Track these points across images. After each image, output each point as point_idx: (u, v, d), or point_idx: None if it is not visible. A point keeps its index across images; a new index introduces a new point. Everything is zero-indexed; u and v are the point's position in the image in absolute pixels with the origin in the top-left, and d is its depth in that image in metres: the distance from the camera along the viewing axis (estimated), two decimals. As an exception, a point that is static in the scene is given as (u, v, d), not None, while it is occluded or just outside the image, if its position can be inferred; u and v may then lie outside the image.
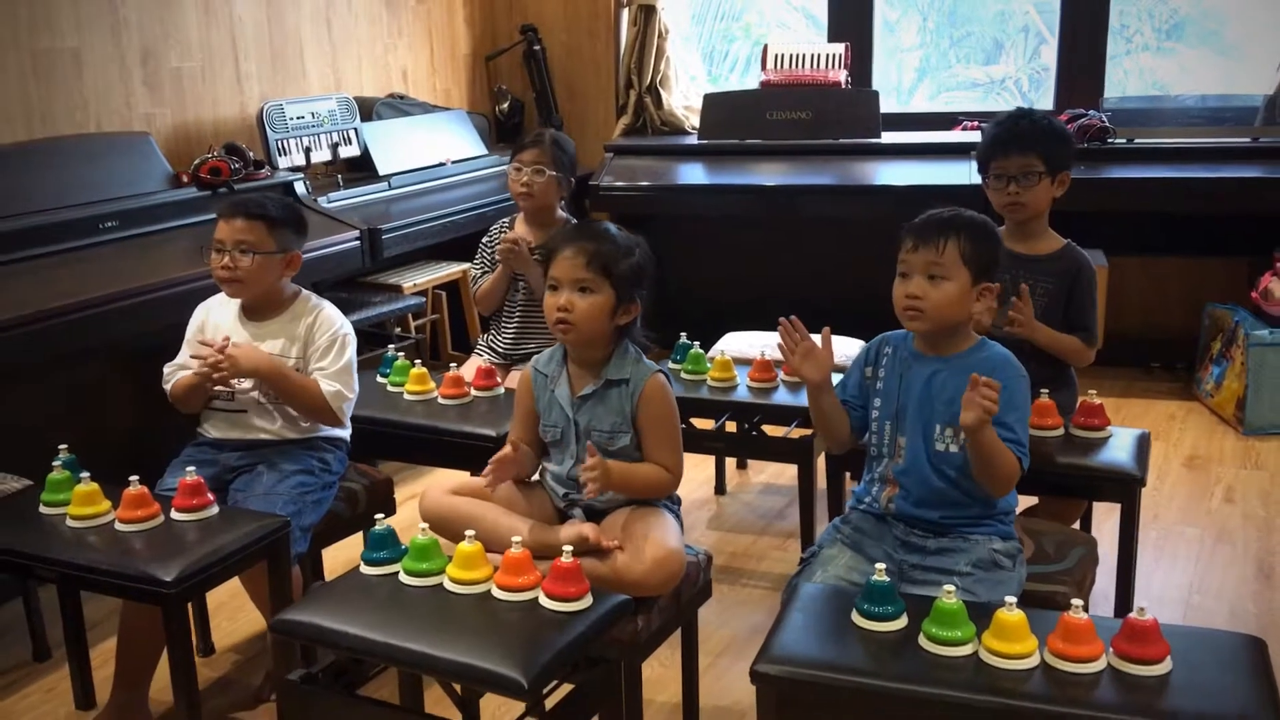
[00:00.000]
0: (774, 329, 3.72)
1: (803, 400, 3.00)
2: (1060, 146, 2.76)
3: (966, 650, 1.73)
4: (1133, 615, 1.69)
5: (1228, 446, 4.00)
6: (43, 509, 2.33)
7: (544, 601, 1.90)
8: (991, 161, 2.76)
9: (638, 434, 2.23)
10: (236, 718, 2.58)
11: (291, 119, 4.02)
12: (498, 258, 3.30)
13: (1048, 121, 2.81)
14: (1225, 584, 3.06)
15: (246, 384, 2.58)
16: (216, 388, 2.57)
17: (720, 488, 3.75)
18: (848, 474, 2.77)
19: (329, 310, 2.67)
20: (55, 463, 2.39)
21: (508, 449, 2.21)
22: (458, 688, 2.07)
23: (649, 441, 2.23)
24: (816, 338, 2.22)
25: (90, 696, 2.60)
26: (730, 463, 3.85)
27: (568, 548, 1.94)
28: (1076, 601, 1.72)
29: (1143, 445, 2.54)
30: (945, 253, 2.07)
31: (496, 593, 1.94)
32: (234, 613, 2.97)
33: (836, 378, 2.27)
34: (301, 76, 4.35)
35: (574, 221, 3.44)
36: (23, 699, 2.66)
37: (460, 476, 2.76)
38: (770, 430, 3.11)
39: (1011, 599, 1.74)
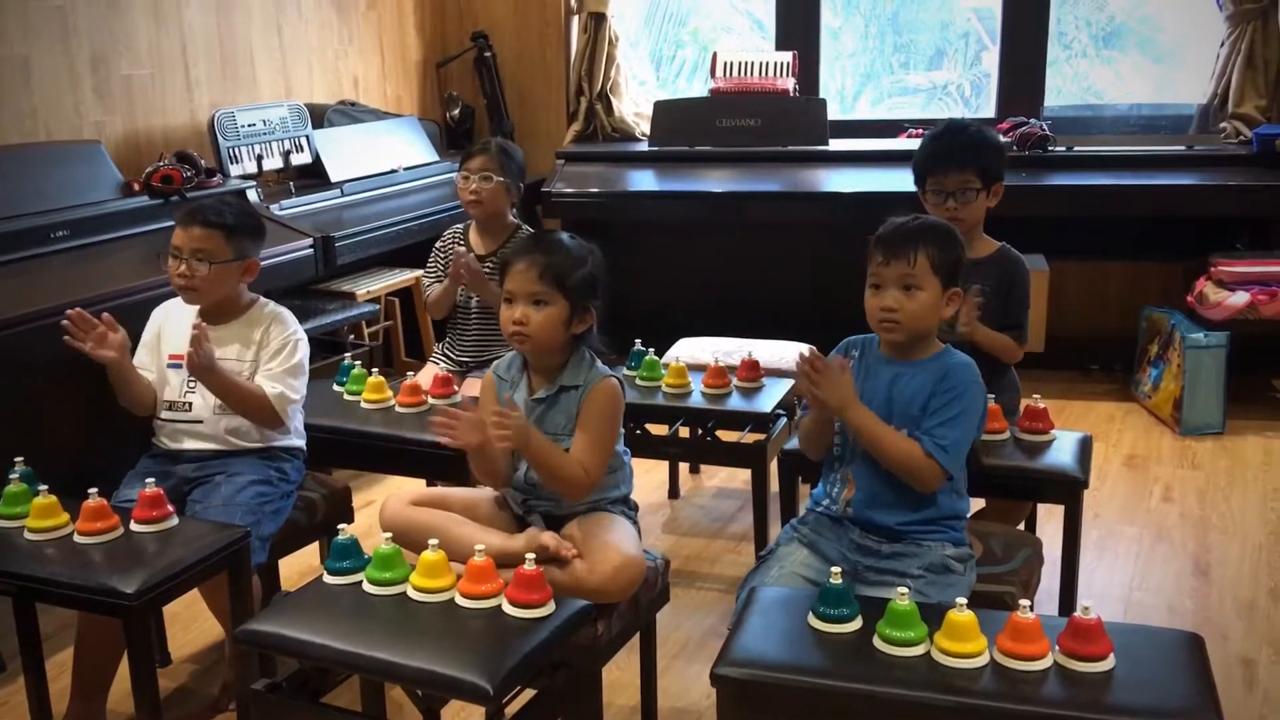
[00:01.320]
0: (726, 334, 3.85)
1: (755, 405, 3.08)
2: (995, 158, 2.84)
3: (919, 650, 1.79)
4: (1077, 614, 1.76)
5: (1165, 446, 4.12)
6: (-1, 522, 2.32)
7: (507, 608, 1.93)
8: (929, 177, 2.83)
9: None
10: (195, 728, 2.58)
11: (243, 126, 4.01)
12: (449, 279, 3.30)
13: (982, 134, 2.88)
14: (1164, 581, 3.16)
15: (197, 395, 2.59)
16: (168, 398, 2.59)
17: (674, 492, 3.79)
18: (800, 478, 2.82)
19: (285, 316, 2.68)
20: (11, 475, 2.37)
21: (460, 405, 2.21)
22: (420, 695, 2.09)
23: (578, 436, 2.23)
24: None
25: (46, 709, 2.57)
26: (683, 467, 3.90)
27: (530, 555, 1.97)
28: (1024, 602, 1.79)
29: (1085, 448, 2.62)
30: (917, 264, 2.13)
31: (460, 601, 1.96)
32: (188, 623, 2.97)
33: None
34: (252, 83, 4.34)
35: (525, 228, 3.48)
36: (-23, 712, 2.65)
37: (417, 485, 2.79)
38: (724, 435, 3.16)
39: (962, 600, 1.80)
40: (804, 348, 2.21)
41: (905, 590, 1.84)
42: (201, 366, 2.49)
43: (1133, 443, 4.16)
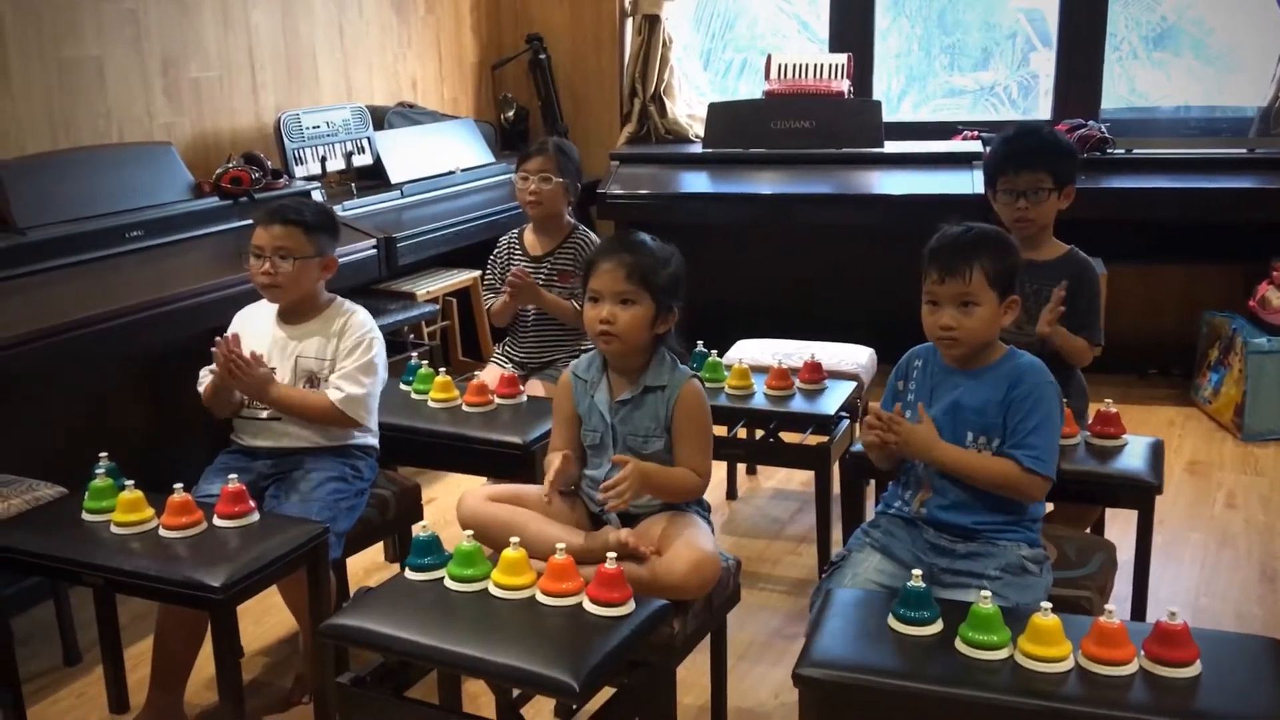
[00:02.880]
0: (782, 336, 3.85)
1: (818, 407, 3.09)
2: (1068, 162, 2.86)
3: (1003, 654, 1.80)
4: (1164, 619, 1.76)
5: (1227, 452, 4.09)
6: (85, 515, 2.37)
7: (588, 606, 1.96)
8: (1000, 177, 2.84)
9: (671, 438, 2.29)
10: (270, 720, 2.63)
11: (307, 128, 4.06)
12: (508, 298, 3.32)
13: (1055, 137, 2.90)
14: (1230, 587, 3.14)
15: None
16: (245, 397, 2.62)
17: (731, 493, 3.81)
18: (865, 480, 2.82)
19: (361, 314, 2.72)
20: (97, 470, 2.43)
21: (558, 458, 2.25)
22: (510, 692, 2.11)
23: (682, 445, 2.28)
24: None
25: (124, 700, 2.64)
26: (740, 468, 3.91)
27: (611, 554, 1.99)
28: (1110, 607, 1.79)
29: (1157, 453, 2.61)
30: (973, 281, 2.12)
31: (541, 598, 1.99)
32: (259, 616, 3.01)
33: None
34: (315, 85, 4.39)
35: (581, 228, 3.50)
36: (54, 704, 2.70)
37: (477, 483, 2.82)
38: (787, 437, 3.17)
39: (1047, 604, 1.81)
40: (871, 406, 2.20)
41: (989, 593, 1.85)
42: (255, 388, 2.53)
43: (1194, 448, 4.13)
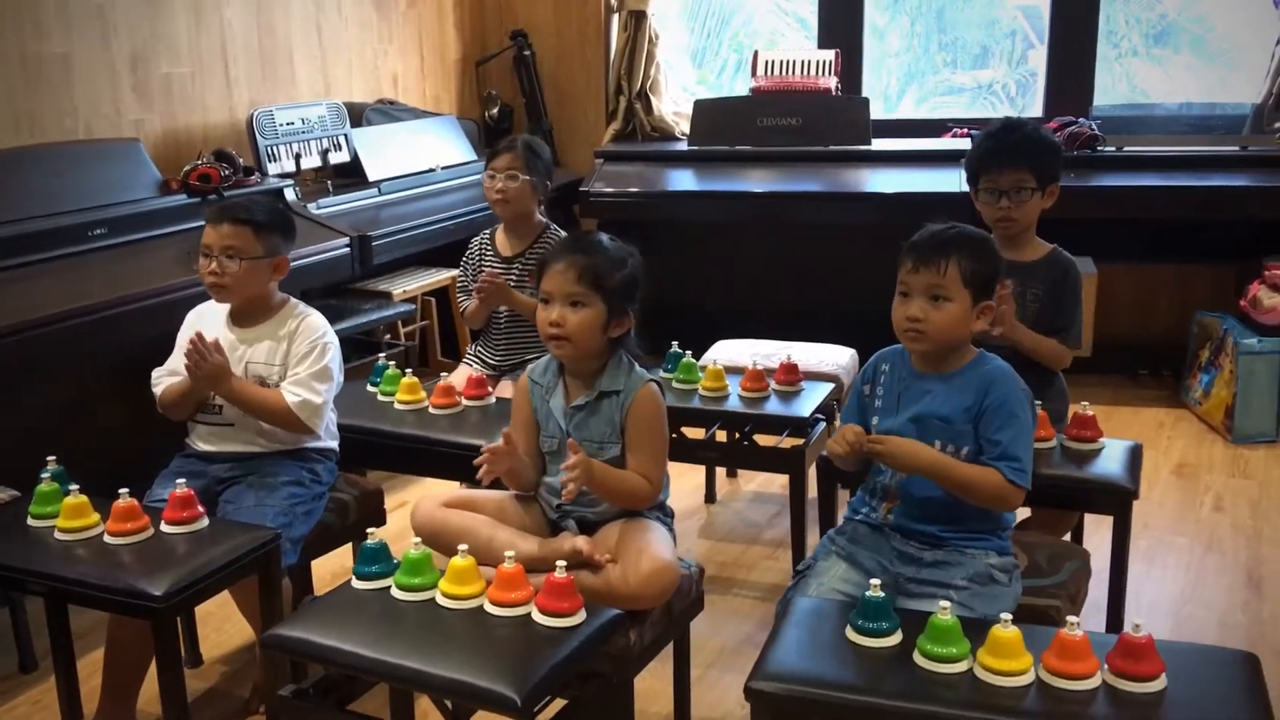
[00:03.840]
0: (765, 336, 3.79)
1: (794, 409, 3.03)
2: (1051, 159, 2.78)
3: (961, 667, 1.73)
4: (1127, 632, 1.70)
5: (1216, 455, 4.02)
6: (30, 521, 2.31)
7: (537, 617, 1.90)
8: (982, 175, 2.77)
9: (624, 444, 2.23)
10: (225, 730, 2.57)
11: (281, 125, 4.01)
12: (480, 301, 3.27)
13: (1038, 134, 2.82)
14: (1215, 594, 3.07)
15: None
16: (203, 396, 2.56)
17: (710, 496, 3.74)
18: (838, 484, 2.76)
19: (314, 318, 2.65)
20: (43, 474, 2.36)
21: (500, 441, 2.19)
22: (449, 704, 2.06)
23: (633, 450, 2.21)
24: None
25: (77, 709, 2.56)
26: (720, 471, 3.85)
27: (561, 563, 1.93)
28: (1072, 619, 1.72)
29: (1135, 457, 2.54)
30: (947, 274, 2.06)
31: (489, 608, 1.93)
32: (221, 623, 2.96)
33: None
34: (291, 82, 4.33)
35: (554, 228, 3.43)
36: (10, 710, 2.64)
37: (450, 488, 2.76)
38: (762, 440, 3.10)
39: (1007, 615, 1.74)
40: (847, 428, 2.11)
41: (948, 604, 1.78)
42: (207, 376, 2.47)
43: (1183, 450, 4.06)
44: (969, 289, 2.08)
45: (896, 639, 1.82)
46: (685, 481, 3.74)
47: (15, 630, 2.77)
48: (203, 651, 2.83)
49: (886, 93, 5.81)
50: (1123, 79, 5.58)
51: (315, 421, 2.57)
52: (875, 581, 1.87)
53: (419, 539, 2.06)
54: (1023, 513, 2.72)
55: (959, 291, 2.07)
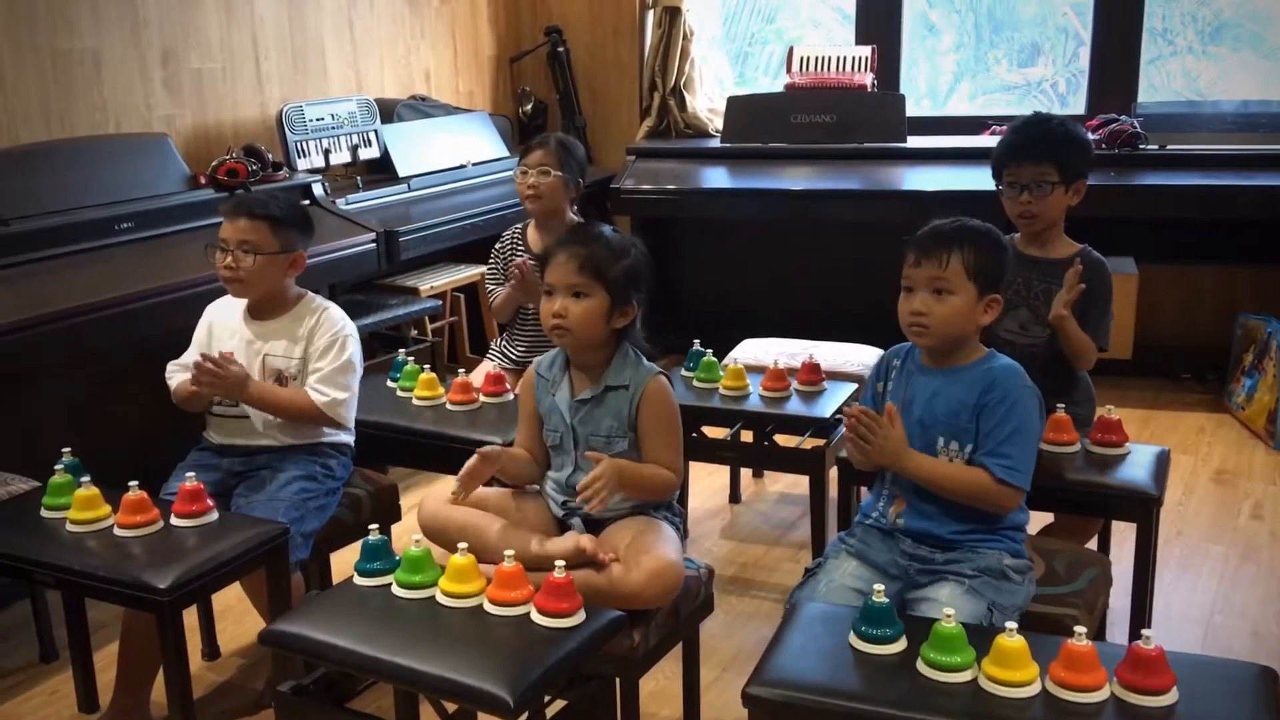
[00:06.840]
0: (796, 336, 3.74)
1: (815, 410, 2.98)
2: (1076, 154, 2.70)
3: (966, 676, 1.68)
4: (1137, 643, 1.64)
5: (1257, 461, 3.91)
6: (44, 512, 2.32)
7: (535, 617, 1.87)
8: (1004, 169, 2.71)
9: (637, 438, 2.20)
10: (237, 724, 2.57)
11: (311, 120, 4.02)
12: (511, 289, 3.24)
13: (1064, 128, 2.74)
14: (1249, 603, 2.98)
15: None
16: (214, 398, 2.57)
17: (735, 496, 3.70)
18: (857, 486, 2.71)
19: (332, 311, 2.64)
20: (57, 465, 2.38)
21: (475, 458, 2.16)
22: (447, 708, 2.04)
23: (650, 443, 2.20)
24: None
25: (93, 700, 2.59)
26: (745, 471, 3.80)
27: (560, 562, 1.91)
28: (1079, 629, 1.67)
29: (1162, 463, 2.47)
30: (949, 267, 2.03)
31: (488, 607, 1.90)
32: (240, 616, 2.96)
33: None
34: (322, 77, 4.35)
35: None
36: (27, 700, 2.66)
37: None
38: (782, 440, 3.06)
39: (1012, 625, 1.69)
40: (852, 408, 2.08)
41: (951, 611, 1.73)
42: (232, 389, 2.46)
43: (1223, 456, 3.96)
44: (974, 282, 2.04)
45: (900, 646, 1.77)
46: (710, 481, 3.70)
47: (36, 621, 2.80)
48: (220, 644, 2.84)
49: (935, 90, 5.73)
50: (1179, 76, 5.46)
51: (344, 415, 2.57)
52: (879, 587, 1.82)
53: (419, 536, 2.05)
54: (1045, 518, 2.66)
55: (963, 284, 2.03)
